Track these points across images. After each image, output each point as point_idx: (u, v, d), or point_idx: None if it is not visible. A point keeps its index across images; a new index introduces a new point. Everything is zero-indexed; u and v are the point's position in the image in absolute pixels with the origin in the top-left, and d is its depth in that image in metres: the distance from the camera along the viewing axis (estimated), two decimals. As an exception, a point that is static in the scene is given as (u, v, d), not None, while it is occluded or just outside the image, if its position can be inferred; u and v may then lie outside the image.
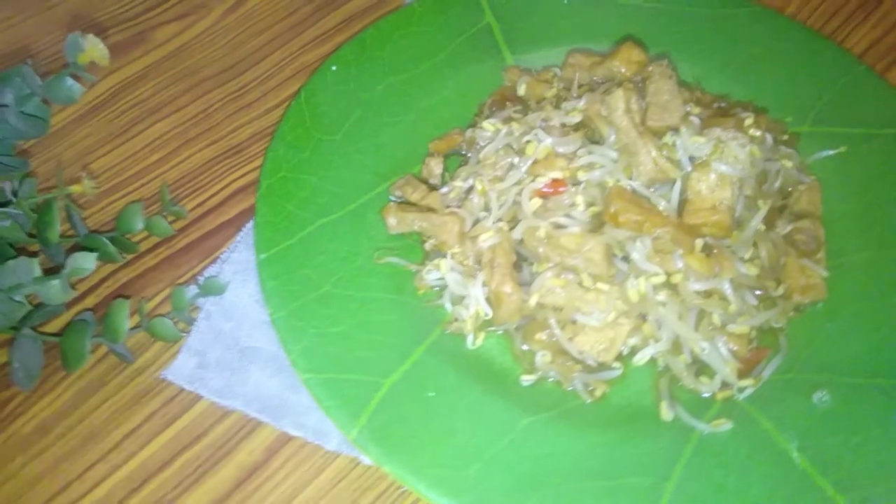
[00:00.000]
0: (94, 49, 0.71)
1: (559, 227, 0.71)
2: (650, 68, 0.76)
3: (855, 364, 0.72)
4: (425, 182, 0.83)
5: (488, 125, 0.80)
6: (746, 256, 0.74)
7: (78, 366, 0.69)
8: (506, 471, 0.64)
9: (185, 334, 0.75)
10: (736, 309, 0.71)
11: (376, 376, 0.68)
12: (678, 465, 0.66)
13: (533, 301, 0.72)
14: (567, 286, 0.71)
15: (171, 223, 0.84)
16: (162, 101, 0.96)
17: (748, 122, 0.73)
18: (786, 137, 0.84)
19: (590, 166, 0.73)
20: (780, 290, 0.76)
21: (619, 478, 0.64)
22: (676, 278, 0.70)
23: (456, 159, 0.86)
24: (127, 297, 0.75)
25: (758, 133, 0.73)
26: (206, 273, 0.80)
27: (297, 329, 0.70)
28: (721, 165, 0.69)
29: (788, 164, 0.77)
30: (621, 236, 0.70)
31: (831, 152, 0.86)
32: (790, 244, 0.77)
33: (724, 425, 0.68)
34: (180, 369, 0.74)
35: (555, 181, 0.73)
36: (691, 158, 0.71)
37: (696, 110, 0.75)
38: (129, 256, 0.81)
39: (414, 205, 0.79)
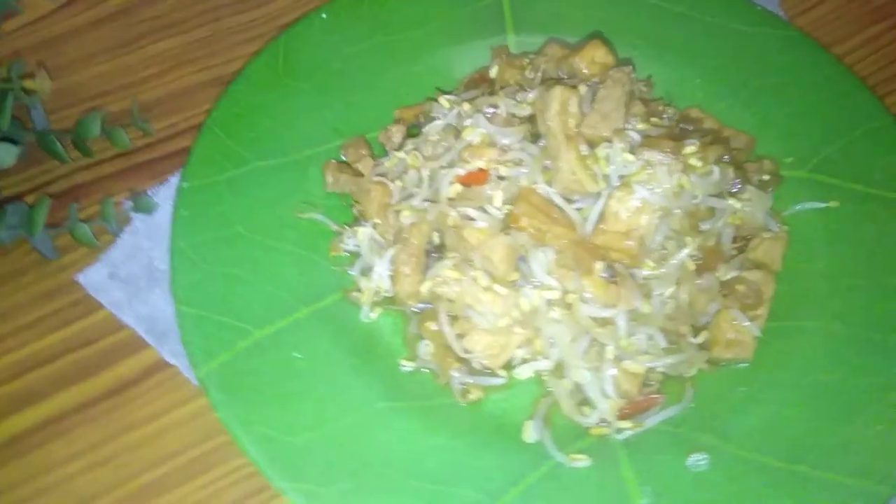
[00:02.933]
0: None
1: (468, 218, 0.68)
2: (610, 72, 0.70)
3: (751, 436, 0.65)
4: (379, 146, 0.82)
5: (444, 101, 0.77)
6: (667, 293, 0.68)
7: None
8: (336, 448, 0.63)
9: (98, 243, 0.77)
10: (629, 344, 0.66)
11: (249, 325, 0.68)
12: (516, 488, 0.62)
13: (425, 287, 0.69)
14: (462, 280, 0.68)
15: (138, 138, 0.87)
16: (175, 19, 0.98)
17: (689, 149, 0.66)
18: (766, 178, 0.76)
19: (516, 163, 0.69)
20: (700, 339, 0.70)
21: (449, 485, 0.62)
22: (571, 298, 0.65)
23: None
24: (59, 198, 0.78)
25: (698, 163, 0.66)
26: (151, 192, 0.82)
27: (191, 262, 0.70)
28: (642, 190, 0.64)
29: (737, 205, 0.70)
30: (524, 241, 0.66)
31: (820, 205, 0.77)
32: (729, 293, 0.71)
33: (582, 461, 0.64)
34: (92, 276, 0.76)
35: (480, 171, 0.70)
36: (621, 177, 0.66)
37: (642, 126, 0.68)
38: (88, 161, 0.85)
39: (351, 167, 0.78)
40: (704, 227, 0.69)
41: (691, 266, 0.68)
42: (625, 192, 0.64)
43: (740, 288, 0.70)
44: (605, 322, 0.66)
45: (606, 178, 0.67)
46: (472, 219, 0.68)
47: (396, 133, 0.82)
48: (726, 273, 0.71)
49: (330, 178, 0.78)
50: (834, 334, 0.70)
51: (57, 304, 0.76)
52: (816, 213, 0.77)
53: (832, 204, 0.77)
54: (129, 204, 0.80)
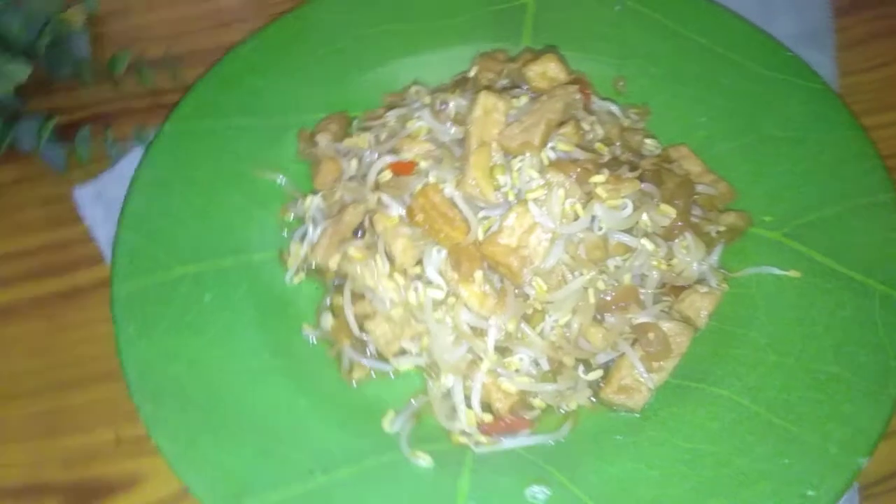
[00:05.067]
0: None
1: (383, 205, 0.70)
2: (554, 88, 0.68)
3: (600, 486, 0.62)
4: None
5: (413, 90, 0.79)
6: (562, 321, 0.66)
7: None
8: (203, 385, 0.66)
9: (85, 161, 0.86)
10: (505, 361, 0.65)
11: (174, 259, 0.73)
12: (351, 468, 0.63)
13: (332, 263, 0.72)
14: (364, 262, 0.69)
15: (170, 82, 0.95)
16: (245, -20, 1.06)
17: (597, 178, 0.63)
18: (720, 229, 0.71)
19: (437, 159, 0.69)
20: (593, 376, 0.67)
21: (287, 445, 0.64)
22: (453, 302, 0.65)
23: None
24: (87, 120, 0.88)
25: (602, 194, 0.63)
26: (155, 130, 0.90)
27: (146, 193, 0.77)
28: (535, 208, 0.62)
29: (650, 246, 0.66)
30: (419, 237, 0.66)
31: (778, 272, 0.71)
32: (639, 338, 0.67)
33: (424, 460, 0.64)
34: (85, 191, 0.85)
35: (410, 162, 0.71)
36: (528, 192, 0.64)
37: (567, 147, 0.66)
38: (122, 94, 0.94)
39: (319, 138, 0.82)
40: (613, 262, 0.65)
41: (591, 298, 0.65)
42: (521, 208, 0.63)
43: (650, 335, 0.67)
44: (481, 333, 0.65)
45: (519, 191, 0.65)
46: (386, 206, 0.70)
47: (378, 116, 0.84)
48: (639, 317, 0.67)
49: (301, 145, 0.82)
50: (737, 408, 0.65)
51: (50, 211, 0.86)
52: (773, 280, 0.71)
53: (792, 273, 0.71)
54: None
